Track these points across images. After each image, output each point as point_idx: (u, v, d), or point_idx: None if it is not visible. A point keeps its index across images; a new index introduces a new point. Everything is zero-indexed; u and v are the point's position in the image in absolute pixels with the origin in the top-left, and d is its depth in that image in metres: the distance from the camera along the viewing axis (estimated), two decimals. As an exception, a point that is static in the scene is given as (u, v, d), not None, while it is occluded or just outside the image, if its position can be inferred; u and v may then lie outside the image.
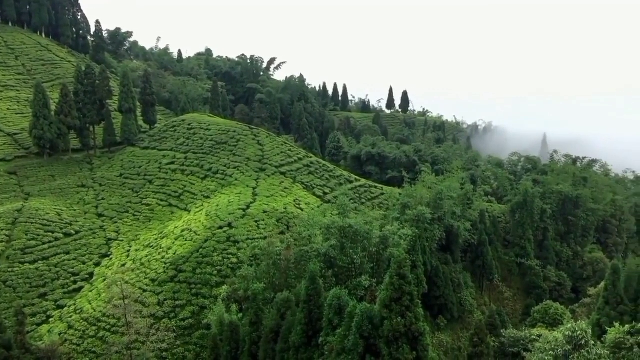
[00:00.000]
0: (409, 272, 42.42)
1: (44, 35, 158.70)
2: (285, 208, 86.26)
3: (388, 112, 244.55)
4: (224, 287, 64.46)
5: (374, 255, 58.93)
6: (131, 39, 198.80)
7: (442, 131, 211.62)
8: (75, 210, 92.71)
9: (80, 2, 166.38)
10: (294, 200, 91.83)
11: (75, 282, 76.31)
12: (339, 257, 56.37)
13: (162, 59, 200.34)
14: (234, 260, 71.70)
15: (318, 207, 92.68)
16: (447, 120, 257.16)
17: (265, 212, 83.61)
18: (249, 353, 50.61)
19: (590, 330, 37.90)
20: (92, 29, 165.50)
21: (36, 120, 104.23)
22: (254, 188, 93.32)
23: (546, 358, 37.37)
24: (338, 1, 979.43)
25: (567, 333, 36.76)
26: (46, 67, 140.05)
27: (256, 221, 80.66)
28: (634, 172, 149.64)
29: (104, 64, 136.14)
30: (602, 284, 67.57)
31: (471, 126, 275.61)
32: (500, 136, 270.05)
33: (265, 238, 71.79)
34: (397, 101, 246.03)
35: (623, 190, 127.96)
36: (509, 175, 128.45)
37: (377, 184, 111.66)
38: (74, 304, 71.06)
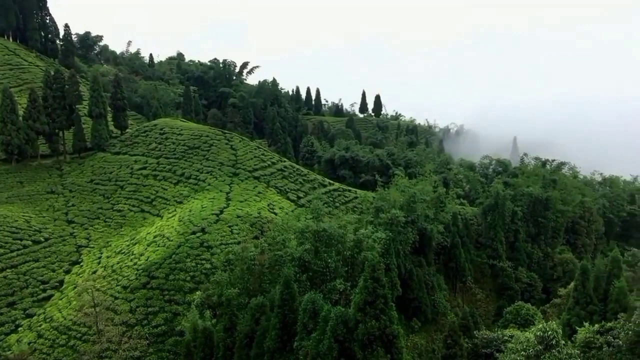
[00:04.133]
0: (382, 275, 42.69)
1: (11, 39, 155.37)
2: (259, 213, 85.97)
3: (361, 116, 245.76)
4: (197, 293, 63.87)
5: (348, 259, 59.03)
6: (101, 43, 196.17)
7: (414, 134, 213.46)
8: (44, 217, 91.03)
9: (48, 5, 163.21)
10: (268, 205, 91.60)
11: (44, 290, 74.86)
12: (313, 261, 56.34)
13: (133, 63, 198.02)
14: (208, 265, 71.18)
15: (292, 211, 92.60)
16: (419, 123, 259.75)
17: (238, 217, 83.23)
18: (223, 359, 50.27)
19: (561, 330, 38.49)
20: (61, 33, 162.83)
21: (3, 125, 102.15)
22: (227, 193, 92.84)
23: (518, 358, 37.84)
24: (314, 3, 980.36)
25: (538, 333, 37.27)
26: (14, 71, 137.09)
27: (230, 226, 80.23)
28: (601, 173, 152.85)
29: (73, 69, 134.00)
30: (572, 284, 68.75)
31: (443, 129, 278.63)
32: (472, 139, 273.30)
33: (239, 243, 71.33)
34: (370, 105, 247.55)
35: (591, 192, 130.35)
36: (481, 178, 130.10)
37: (350, 188, 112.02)
38: (44, 313, 69.71)
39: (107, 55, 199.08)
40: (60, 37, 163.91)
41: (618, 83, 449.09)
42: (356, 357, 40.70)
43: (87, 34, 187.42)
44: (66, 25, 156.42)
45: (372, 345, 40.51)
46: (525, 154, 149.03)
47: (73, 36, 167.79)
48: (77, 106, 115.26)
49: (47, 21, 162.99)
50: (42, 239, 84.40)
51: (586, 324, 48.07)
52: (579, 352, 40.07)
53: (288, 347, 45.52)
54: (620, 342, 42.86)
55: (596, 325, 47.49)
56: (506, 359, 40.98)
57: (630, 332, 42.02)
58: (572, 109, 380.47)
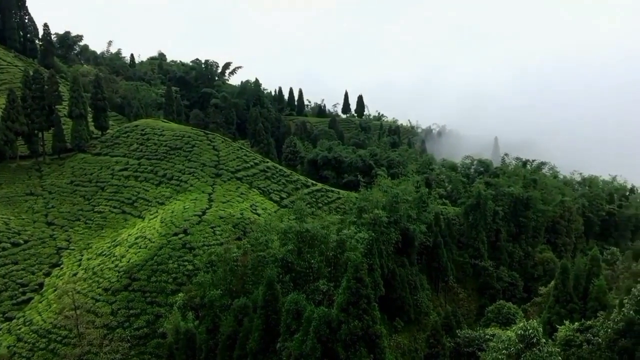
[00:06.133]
0: (365, 275, 42.81)
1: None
2: (242, 214, 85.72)
3: (344, 116, 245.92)
4: (179, 294, 63.55)
5: (331, 259, 59.09)
6: (81, 43, 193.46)
7: (397, 135, 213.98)
8: (23, 219, 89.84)
9: (27, 5, 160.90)
10: (251, 206, 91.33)
11: (24, 293, 73.90)
12: (297, 262, 56.35)
13: (113, 64, 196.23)
14: (190, 267, 70.80)
15: (275, 212, 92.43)
16: (401, 124, 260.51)
17: (221, 218, 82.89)
18: (206, 361, 50.06)
19: (542, 329, 38.88)
20: (40, 33, 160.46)
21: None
22: (209, 194, 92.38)
23: (500, 357, 38.18)
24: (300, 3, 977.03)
25: (519, 332, 37.63)
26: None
27: (212, 227, 79.86)
28: (580, 173, 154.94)
29: (52, 69, 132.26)
30: (552, 283, 69.53)
31: (425, 130, 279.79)
32: (454, 139, 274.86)
33: (221, 244, 71.07)
34: (353, 106, 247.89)
35: (571, 192, 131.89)
36: (463, 178, 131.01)
37: (333, 188, 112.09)
38: (23, 316, 68.84)
39: (88, 55, 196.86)
40: (40, 36, 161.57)
41: (599, 84, 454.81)
42: (339, 358, 40.74)
43: (67, 33, 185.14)
44: (45, 25, 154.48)
45: (355, 346, 40.58)
46: (506, 154, 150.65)
47: (52, 36, 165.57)
48: (56, 107, 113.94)
49: (26, 21, 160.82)
50: (21, 241, 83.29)
51: (566, 322, 48.64)
52: (559, 350, 40.53)
53: (271, 349, 45.45)
54: (600, 340, 43.47)
55: (576, 324, 48.09)
56: (488, 358, 41.32)
57: (609, 330, 42.64)
58: (553, 110, 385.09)
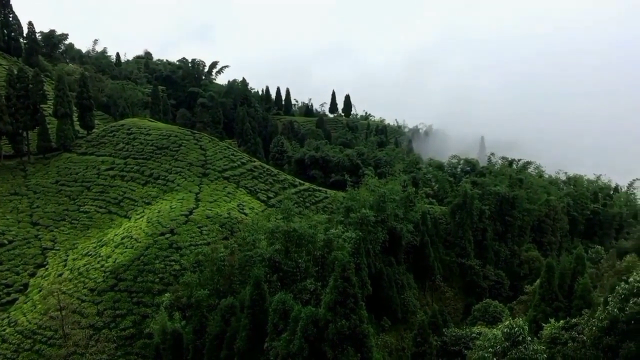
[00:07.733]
0: (353, 274, 42.80)
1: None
2: (229, 213, 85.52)
3: (331, 116, 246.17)
4: (166, 294, 63.25)
5: (319, 259, 59.12)
6: (66, 42, 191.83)
7: (384, 134, 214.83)
8: (8, 219, 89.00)
9: (11, 3, 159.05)
10: (238, 205, 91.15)
11: (8, 294, 73.32)
12: (284, 262, 56.30)
13: (99, 62, 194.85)
14: (177, 267, 70.54)
15: (262, 211, 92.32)
16: (389, 123, 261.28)
17: (208, 217, 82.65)
18: (193, 361, 49.88)
19: (527, 327, 39.08)
20: (25, 31, 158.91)
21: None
22: (196, 193, 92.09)
23: (486, 355, 38.32)
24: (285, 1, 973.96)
25: (505, 330, 37.78)
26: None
27: (199, 227, 79.60)
28: (565, 173, 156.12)
29: (37, 67, 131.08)
30: (538, 281, 69.91)
31: (412, 129, 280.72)
32: (441, 139, 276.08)
33: (208, 244, 70.95)
34: (340, 105, 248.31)
35: (556, 191, 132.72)
36: (449, 177, 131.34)
37: (321, 188, 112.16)
38: (8, 317, 68.24)
39: (73, 54, 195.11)
40: (24, 35, 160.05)
41: (587, 83, 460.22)
42: (327, 357, 40.74)
43: (52, 32, 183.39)
44: (30, 23, 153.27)
45: (343, 345, 40.60)
46: (493, 154, 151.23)
47: (37, 34, 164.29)
48: (41, 106, 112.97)
49: (10, 19, 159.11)
50: (5, 241, 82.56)
51: (552, 320, 48.89)
52: (544, 347, 40.77)
53: (259, 348, 45.35)
54: (585, 338, 43.73)
55: (561, 322, 48.34)
56: (474, 356, 41.57)
57: (594, 328, 42.91)
58: (538, 109, 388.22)
